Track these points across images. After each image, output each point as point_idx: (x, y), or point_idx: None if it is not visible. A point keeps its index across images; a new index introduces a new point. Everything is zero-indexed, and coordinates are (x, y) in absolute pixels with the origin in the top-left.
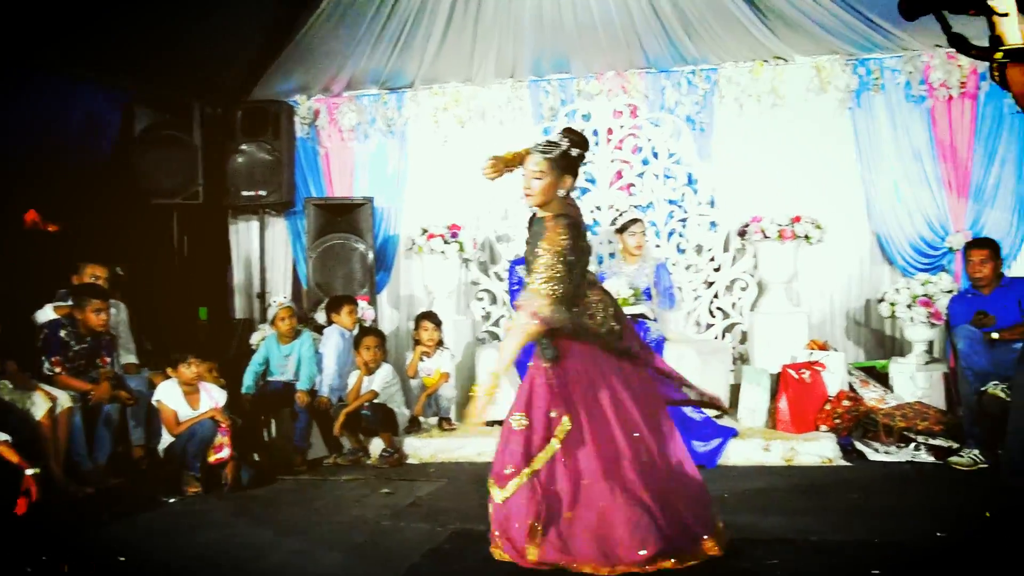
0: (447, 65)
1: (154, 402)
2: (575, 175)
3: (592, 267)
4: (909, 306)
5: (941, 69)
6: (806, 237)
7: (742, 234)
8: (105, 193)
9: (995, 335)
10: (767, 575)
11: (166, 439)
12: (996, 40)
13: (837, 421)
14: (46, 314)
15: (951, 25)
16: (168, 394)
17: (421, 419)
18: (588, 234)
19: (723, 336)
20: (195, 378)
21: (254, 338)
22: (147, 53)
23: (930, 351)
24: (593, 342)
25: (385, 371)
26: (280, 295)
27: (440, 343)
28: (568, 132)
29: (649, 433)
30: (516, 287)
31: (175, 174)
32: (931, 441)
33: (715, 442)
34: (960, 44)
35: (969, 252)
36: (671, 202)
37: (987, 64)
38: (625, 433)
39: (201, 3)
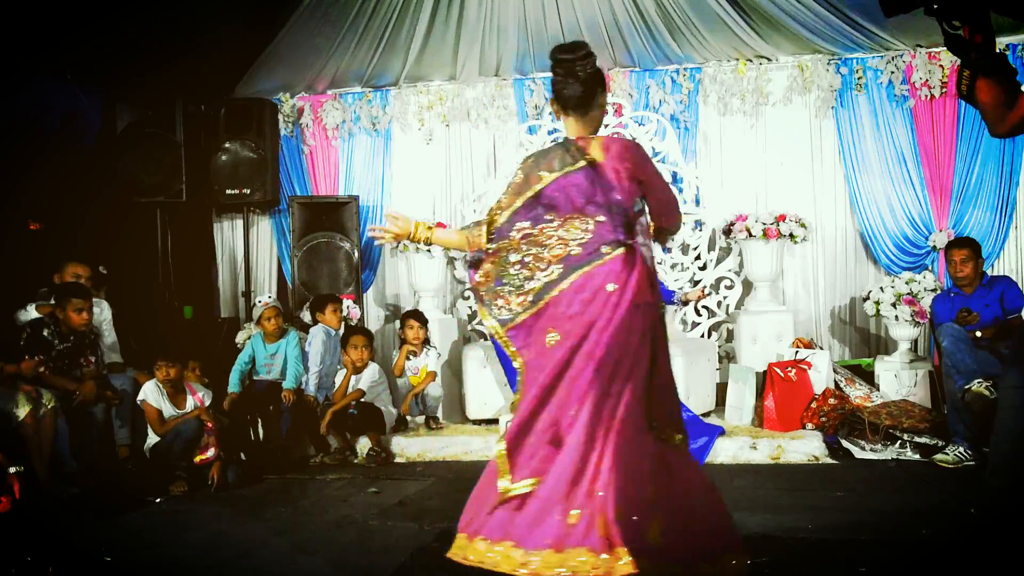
0: (431, 63)
1: (138, 402)
2: None
3: None
4: (894, 304)
5: (923, 69)
6: (791, 236)
7: (727, 233)
8: (88, 191)
9: (978, 333)
10: (754, 573)
11: (152, 439)
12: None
13: (823, 419)
14: (28, 314)
15: (957, 27)
16: (152, 394)
17: (408, 418)
18: None
19: (709, 335)
20: (178, 378)
21: (239, 337)
22: (129, 50)
23: (915, 349)
24: None
25: (372, 370)
26: (265, 294)
27: (426, 342)
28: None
29: None
30: None
31: (158, 172)
32: (916, 439)
33: (702, 440)
34: (957, 46)
35: (950, 252)
36: None
37: (957, 75)
38: None
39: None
